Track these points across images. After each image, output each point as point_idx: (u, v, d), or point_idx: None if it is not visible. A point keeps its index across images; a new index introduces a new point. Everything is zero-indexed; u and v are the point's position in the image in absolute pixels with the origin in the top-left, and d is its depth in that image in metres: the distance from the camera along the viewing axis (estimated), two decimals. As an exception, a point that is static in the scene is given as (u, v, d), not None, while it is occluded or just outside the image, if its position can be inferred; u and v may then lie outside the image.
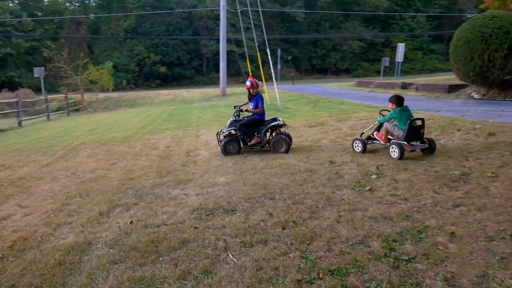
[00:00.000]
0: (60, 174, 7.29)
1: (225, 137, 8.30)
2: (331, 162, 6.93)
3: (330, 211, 4.60)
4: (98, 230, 4.45)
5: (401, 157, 6.58)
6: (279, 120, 8.35)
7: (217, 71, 33.06)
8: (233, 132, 8.27)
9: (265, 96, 20.60)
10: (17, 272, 3.54)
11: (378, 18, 60.08)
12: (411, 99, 16.74)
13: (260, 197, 5.26)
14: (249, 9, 23.70)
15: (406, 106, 6.95)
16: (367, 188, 5.34)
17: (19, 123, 18.94)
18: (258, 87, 8.39)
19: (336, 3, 61.20)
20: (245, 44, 25.01)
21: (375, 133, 7.47)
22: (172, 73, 55.50)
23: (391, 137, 7.13)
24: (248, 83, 8.36)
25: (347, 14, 60.10)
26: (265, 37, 22.12)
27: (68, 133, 13.68)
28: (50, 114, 23.48)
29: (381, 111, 7.62)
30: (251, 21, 23.01)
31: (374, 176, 5.84)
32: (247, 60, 22.79)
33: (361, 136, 7.67)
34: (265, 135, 8.23)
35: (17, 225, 4.74)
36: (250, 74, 22.38)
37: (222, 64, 28.54)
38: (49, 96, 24.78)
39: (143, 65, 53.27)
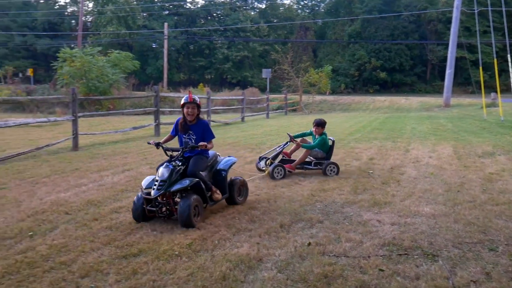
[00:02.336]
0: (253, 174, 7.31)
1: (167, 199, 4.73)
2: None
3: None
4: (274, 245, 4.05)
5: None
6: (229, 156, 5.72)
7: (442, 79, 30.01)
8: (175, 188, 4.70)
9: (499, 110, 17.47)
10: (183, 277, 3.39)
11: None
12: None
13: (475, 244, 4.03)
14: (490, 9, 20.54)
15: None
16: None
17: (242, 119, 20.89)
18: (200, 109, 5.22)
19: None
20: (479, 49, 21.84)
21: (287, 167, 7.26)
22: (392, 79, 53.37)
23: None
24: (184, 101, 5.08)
25: None
26: (508, 41, 18.84)
27: (279, 132, 14.18)
28: (270, 112, 25.24)
29: (288, 133, 7.78)
30: (491, 24, 19.94)
31: None
32: (480, 68, 19.79)
33: (271, 164, 7.21)
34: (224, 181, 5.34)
35: (202, 223, 4.74)
36: (482, 84, 19.38)
37: (449, 71, 25.75)
38: (270, 96, 26.78)
39: (362, 70, 52.76)
